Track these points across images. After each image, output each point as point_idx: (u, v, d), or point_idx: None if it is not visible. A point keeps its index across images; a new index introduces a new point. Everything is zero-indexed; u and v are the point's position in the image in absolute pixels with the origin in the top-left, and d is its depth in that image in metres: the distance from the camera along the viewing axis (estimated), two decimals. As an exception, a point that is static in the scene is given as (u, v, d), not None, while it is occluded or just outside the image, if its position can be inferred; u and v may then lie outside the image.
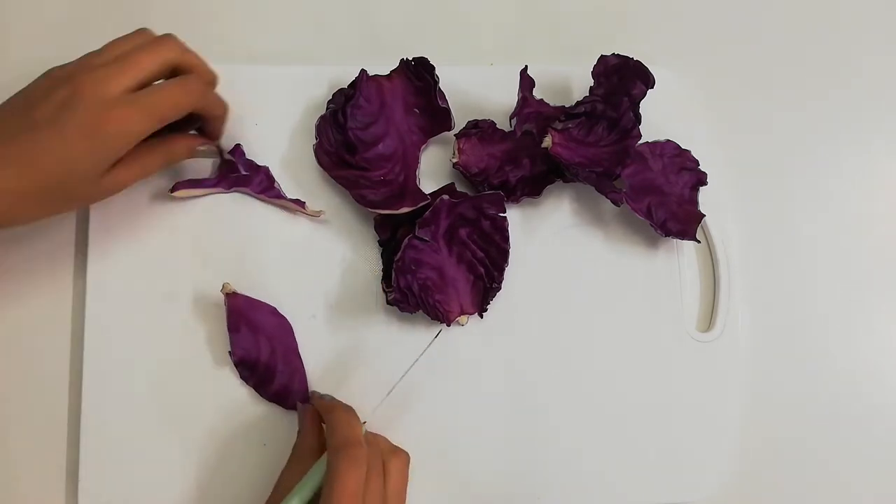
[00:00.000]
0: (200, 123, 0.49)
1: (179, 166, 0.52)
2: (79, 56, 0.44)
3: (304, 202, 0.52)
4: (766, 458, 0.54)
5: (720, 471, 0.52)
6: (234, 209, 0.52)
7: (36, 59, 0.55)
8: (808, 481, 0.55)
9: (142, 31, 0.46)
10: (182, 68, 0.45)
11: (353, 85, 0.52)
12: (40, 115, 0.41)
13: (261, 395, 0.49)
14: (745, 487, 0.53)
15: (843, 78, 0.62)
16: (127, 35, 0.46)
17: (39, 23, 0.56)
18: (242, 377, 0.49)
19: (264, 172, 0.52)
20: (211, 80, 0.48)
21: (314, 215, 0.52)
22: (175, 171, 0.52)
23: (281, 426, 0.49)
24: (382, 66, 0.53)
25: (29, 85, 0.44)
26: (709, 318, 0.55)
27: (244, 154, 0.53)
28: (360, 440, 0.41)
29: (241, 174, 0.51)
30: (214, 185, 0.52)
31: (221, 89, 0.54)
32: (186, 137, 0.49)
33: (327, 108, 0.53)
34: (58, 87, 0.42)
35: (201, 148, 0.50)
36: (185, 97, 0.44)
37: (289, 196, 0.52)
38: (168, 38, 0.45)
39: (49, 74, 0.44)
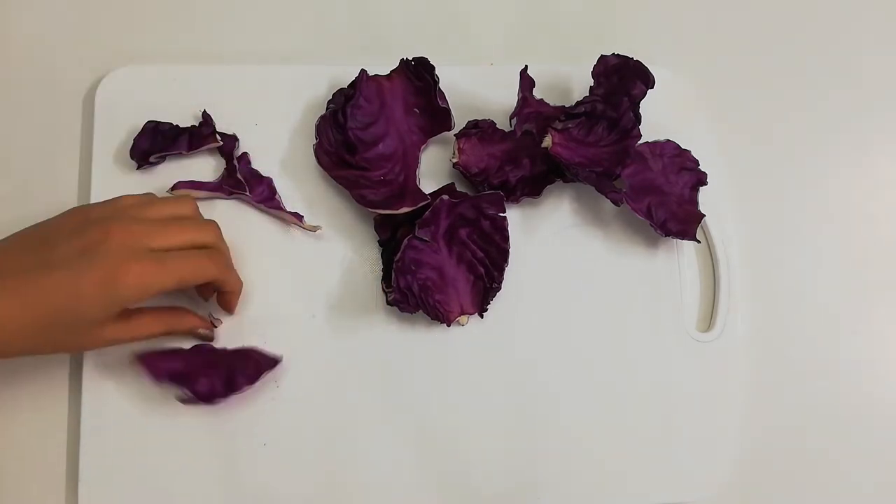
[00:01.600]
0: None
1: (180, 167, 0.52)
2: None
3: (303, 216, 0.52)
4: (766, 458, 0.54)
5: (720, 471, 0.52)
6: (234, 209, 0.52)
7: (37, 56, 0.55)
8: (809, 481, 0.55)
9: (187, 202, 0.47)
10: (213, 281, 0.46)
11: (353, 85, 0.52)
12: (59, 254, 0.40)
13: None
14: (745, 487, 0.53)
15: (843, 78, 0.62)
16: (171, 200, 0.47)
17: (39, 21, 0.56)
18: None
19: (267, 183, 0.52)
20: (230, 265, 0.48)
21: (311, 230, 0.52)
22: (175, 171, 0.52)
23: (281, 426, 0.49)
24: (382, 66, 0.53)
25: (52, 219, 0.43)
26: (709, 318, 0.55)
27: (250, 163, 0.53)
28: None
29: (242, 182, 0.51)
30: (215, 189, 0.52)
31: (222, 89, 0.54)
32: (192, 315, 0.48)
33: (327, 108, 0.53)
34: (86, 229, 0.41)
35: (202, 332, 0.49)
36: (209, 268, 0.44)
37: (289, 205, 0.52)
38: (211, 226, 0.47)
39: (77, 213, 0.43)
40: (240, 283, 0.49)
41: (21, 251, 0.41)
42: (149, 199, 0.46)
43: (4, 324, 0.39)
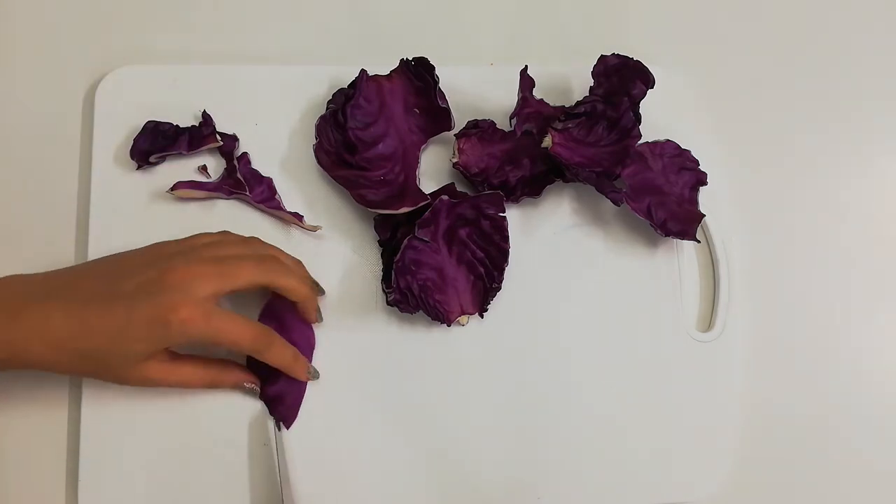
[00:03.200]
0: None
1: (180, 167, 0.53)
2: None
3: (303, 216, 0.52)
4: (766, 458, 0.54)
5: (719, 471, 0.52)
6: (234, 209, 0.52)
7: (37, 55, 0.55)
8: (808, 481, 0.55)
9: (254, 241, 0.49)
10: (277, 290, 0.46)
11: (353, 85, 0.52)
12: (123, 288, 0.42)
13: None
14: (745, 487, 0.53)
15: (843, 78, 0.62)
16: (242, 238, 0.48)
17: (40, 21, 0.56)
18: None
19: (267, 183, 0.52)
20: (304, 299, 0.47)
21: (311, 230, 0.52)
22: (175, 171, 0.52)
23: (281, 426, 0.49)
24: (382, 66, 0.53)
25: (132, 251, 0.46)
26: (709, 318, 0.55)
27: (250, 163, 0.53)
28: None
29: (242, 182, 0.51)
30: (215, 189, 0.52)
31: (222, 89, 0.54)
32: (239, 370, 0.48)
33: (327, 108, 0.53)
34: (152, 265, 0.43)
35: (248, 385, 0.49)
36: (248, 341, 0.44)
37: (289, 205, 0.52)
38: (276, 260, 0.47)
39: (154, 248, 0.46)
40: (305, 297, 0.48)
41: (95, 278, 0.44)
42: (223, 237, 0.47)
43: (60, 344, 0.41)
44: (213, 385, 0.48)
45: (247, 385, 0.49)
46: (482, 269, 0.50)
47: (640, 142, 0.52)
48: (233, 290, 0.44)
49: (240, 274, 0.44)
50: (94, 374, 0.45)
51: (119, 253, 0.46)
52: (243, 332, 0.44)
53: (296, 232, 0.52)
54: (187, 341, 0.43)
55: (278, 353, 0.47)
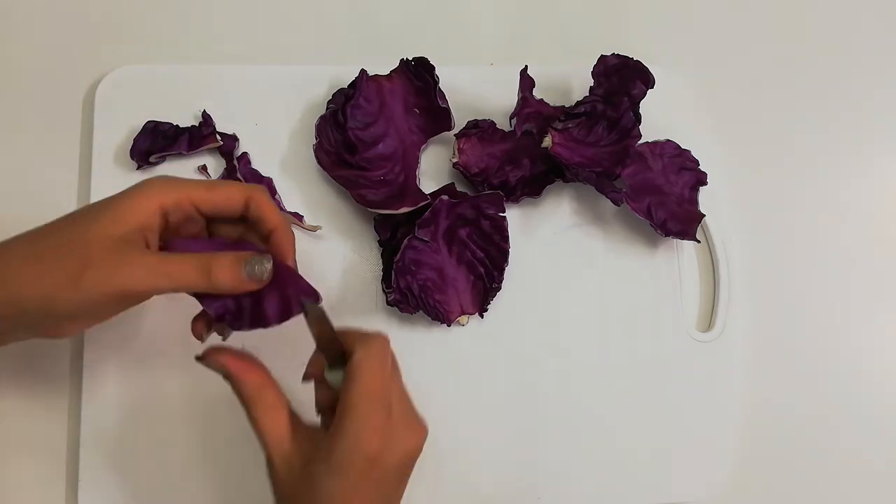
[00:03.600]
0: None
1: (180, 167, 0.52)
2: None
3: (303, 216, 0.52)
4: (766, 458, 0.54)
5: (720, 471, 0.52)
6: (234, 209, 0.52)
7: (37, 56, 0.55)
8: (808, 481, 0.55)
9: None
10: (253, 210, 0.40)
11: (353, 85, 0.52)
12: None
13: (264, 327, 0.40)
14: (745, 487, 0.53)
15: (843, 78, 0.62)
16: None
17: (40, 21, 0.56)
18: (234, 327, 0.40)
19: (266, 183, 0.52)
20: (280, 222, 0.41)
21: (311, 230, 0.52)
22: (175, 171, 0.52)
23: (281, 426, 0.49)
24: (382, 66, 0.53)
25: None
26: (709, 318, 0.55)
27: (250, 163, 0.53)
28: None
29: (242, 182, 0.51)
30: (214, 187, 0.51)
31: (222, 89, 0.54)
32: (236, 252, 0.39)
33: (327, 108, 0.53)
34: None
35: (265, 262, 0.39)
36: (246, 190, 0.40)
37: (289, 205, 0.52)
38: (259, 186, 0.43)
39: None
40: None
41: None
42: None
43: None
44: (207, 277, 0.37)
45: (266, 263, 0.39)
46: (482, 269, 0.50)
47: (640, 142, 0.52)
48: (214, 199, 0.39)
49: (220, 186, 0.40)
50: (51, 287, 0.37)
51: None
52: (235, 187, 0.40)
53: (296, 232, 0.52)
54: (182, 194, 0.38)
55: (273, 205, 0.41)
